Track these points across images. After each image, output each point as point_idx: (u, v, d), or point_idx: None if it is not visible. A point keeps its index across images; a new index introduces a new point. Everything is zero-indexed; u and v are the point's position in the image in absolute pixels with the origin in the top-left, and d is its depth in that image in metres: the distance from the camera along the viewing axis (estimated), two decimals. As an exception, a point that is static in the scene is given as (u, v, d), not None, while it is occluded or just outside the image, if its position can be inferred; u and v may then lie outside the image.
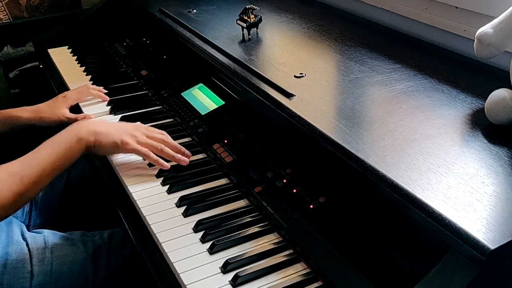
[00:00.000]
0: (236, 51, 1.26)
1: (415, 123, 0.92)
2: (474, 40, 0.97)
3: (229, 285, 0.86)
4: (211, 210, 1.03)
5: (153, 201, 1.07)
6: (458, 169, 0.79)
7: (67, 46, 1.87)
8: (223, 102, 1.30)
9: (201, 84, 1.41)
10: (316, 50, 1.27)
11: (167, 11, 1.57)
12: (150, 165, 1.17)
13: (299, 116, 0.97)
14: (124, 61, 1.71)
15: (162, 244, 0.95)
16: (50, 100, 1.44)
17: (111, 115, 1.41)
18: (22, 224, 1.26)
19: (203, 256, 0.92)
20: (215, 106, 1.30)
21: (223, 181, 1.12)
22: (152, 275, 0.93)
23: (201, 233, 0.96)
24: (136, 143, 1.14)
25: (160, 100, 1.44)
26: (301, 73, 1.12)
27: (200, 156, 1.21)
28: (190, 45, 1.37)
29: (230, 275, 0.87)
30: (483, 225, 0.67)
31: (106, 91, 1.50)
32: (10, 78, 2.11)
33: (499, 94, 0.89)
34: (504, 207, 0.71)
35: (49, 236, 1.19)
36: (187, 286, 0.86)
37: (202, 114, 1.30)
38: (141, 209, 1.05)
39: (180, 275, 0.88)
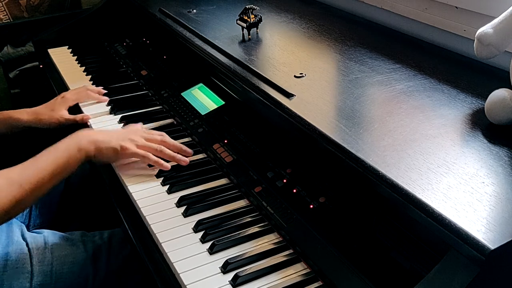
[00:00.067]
0: (236, 51, 1.26)
1: (415, 123, 0.92)
2: (474, 40, 0.97)
3: (229, 285, 0.86)
4: (211, 210, 1.03)
5: (153, 201, 1.07)
6: (458, 169, 0.79)
7: (67, 46, 1.87)
8: (223, 102, 1.30)
9: (201, 84, 1.41)
10: (316, 50, 1.27)
11: (167, 11, 1.57)
12: (150, 165, 1.17)
13: (299, 116, 0.97)
14: (124, 61, 1.71)
15: (162, 244, 0.95)
16: (49, 102, 1.44)
17: (111, 115, 1.41)
18: (22, 224, 1.26)
19: (203, 256, 0.92)
20: (215, 106, 1.30)
21: (223, 181, 1.12)
22: (152, 275, 0.93)
23: (201, 233, 0.96)
24: (136, 147, 1.15)
25: (160, 100, 1.44)
26: (301, 73, 1.12)
27: (200, 156, 1.21)
28: (190, 45, 1.37)
29: (230, 275, 0.87)
30: (483, 225, 0.67)
31: (106, 91, 1.50)
32: (10, 78, 2.11)
33: (499, 94, 0.89)
34: (504, 207, 0.71)
35: (49, 236, 1.20)
36: (187, 286, 0.86)
37: (202, 114, 1.30)
38: (141, 209, 1.05)
39: (180, 275, 0.88)
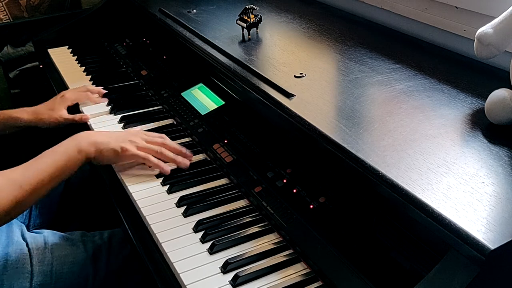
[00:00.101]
0: (236, 51, 1.26)
1: (415, 123, 0.92)
2: (474, 40, 0.97)
3: (229, 285, 0.86)
4: (211, 210, 1.03)
5: (153, 201, 1.07)
6: (458, 169, 0.79)
7: (67, 46, 1.87)
8: (223, 102, 1.30)
9: (201, 84, 1.41)
10: (316, 50, 1.27)
11: (167, 11, 1.57)
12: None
13: (299, 116, 0.97)
14: (124, 61, 1.71)
15: (162, 244, 0.95)
16: (49, 101, 1.45)
17: (111, 115, 1.41)
18: (22, 224, 1.26)
19: (203, 256, 0.92)
20: (215, 106, 1.30)
21: (223, 181, 1.12)
22: (152, 275, 0.93)
23: (201, 233, 0.96)
24: (136, 149, 1.14)
25: (160, 100, 1.44)
26: (301, 73, 1.12)
27: (200, 156, 1.21)
28: (190, 45, 1.37)
29: (230, 275, 0.87)
30: (483, 225, 0.67)
31: (106, 91, 1.50)
32: (10, 78, 2.11)
33: (499, 94, 0.89)
34: (504, 207, 0.71)
35: (49, 236, 1.20)
36: (187, 286, 0.86)
37: (202, 114, 1.30)
38: (141, 209, 1.05)
39: (180, 275, 0.88)
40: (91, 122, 1.38)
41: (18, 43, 2.11)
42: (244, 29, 1.34)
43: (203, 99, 1.35)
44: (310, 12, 1.53)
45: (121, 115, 1.39)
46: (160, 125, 1.35)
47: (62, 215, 1.41)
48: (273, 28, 1.42)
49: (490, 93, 0.91)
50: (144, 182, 1.13)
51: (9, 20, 2.16)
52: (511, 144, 0.84)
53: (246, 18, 1.33)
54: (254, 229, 0.97)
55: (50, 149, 1.09)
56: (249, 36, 1.35)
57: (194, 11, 1.58)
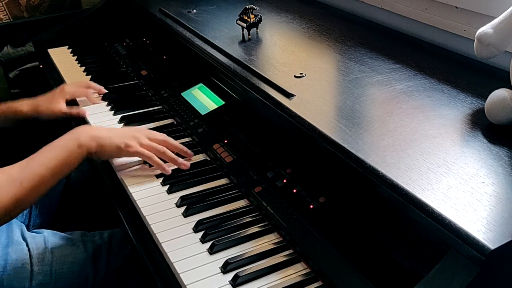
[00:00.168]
0: (236, 51, 1.26)
1: (415, 123, 0.92)
2: (474, 40, 0.97)
3: (229, 285, 0.86)
4: (211, 210, 1.03)
5: (153, 201, 1.06)
6: (458, 169, 0.79)
7: (67, 46, 1.87)
8: (223, 102, 1.30)
9: (201, 84, 1.41)
10: (316, 50, 1.27)
11: (167, 11, 1.57)
12: (150, 165, 1.17)
13: (299, 116, 0.97)
14: (124, 61, 1.71)
15: (162, 244, 0.95)
16: (48, 93, 1.45)
17: (111, 115, 1.41)
18: (22, 224, 1.26)
19: (203, 256, 0.92)
20: (215, 106, 1.30)
21: (223, 181, 1.12)
22: (152, 275, 0.93)
23: (201, 233, 0.96)
24: (139, 146, 1.14)
25: (160, 100, 1.44)
26: (301, 73, 1.12)
27: (200, 156, 1.21)
28: (190, 45, 1.37)
29: (230, 275, 0.87)
30: (483, 225, 0.67)
31: (107, 91, 1.50)
32: (10, 78, 2.11)
33: (499, 94, 0.89)
34: (504, 207, 0.71)
35: (49, 236, 1.20)
36: (187, 286, 0.86)
37: (202, 114, 1.30)
38: (141, 209, 1.05)
39: (180, 275, 0.88)
40: (91, 122, 1.38)
41: (18, 43, 2.11)
42: (244, 29, 1.34)
43: (203, 99, 1.35)
44: (310, 12, 1.53)
45: (121, 115, 1.39)
46: (160, 125, 1.35)
47: (62, 215, 1.41)
48: (273, 28, 1.42)
49: (490, 93, 0.91)
50: (144, 182, 1.13)
51: (9, 20, 2.16)
52: (511, 144, 0.84)
53: (246, 18, 1.33)
54: (254, 229, 0.97)
55: (49, 144, 1.08)
56: (249, 36, 1.35)
57: (194, 11, 1.58)
